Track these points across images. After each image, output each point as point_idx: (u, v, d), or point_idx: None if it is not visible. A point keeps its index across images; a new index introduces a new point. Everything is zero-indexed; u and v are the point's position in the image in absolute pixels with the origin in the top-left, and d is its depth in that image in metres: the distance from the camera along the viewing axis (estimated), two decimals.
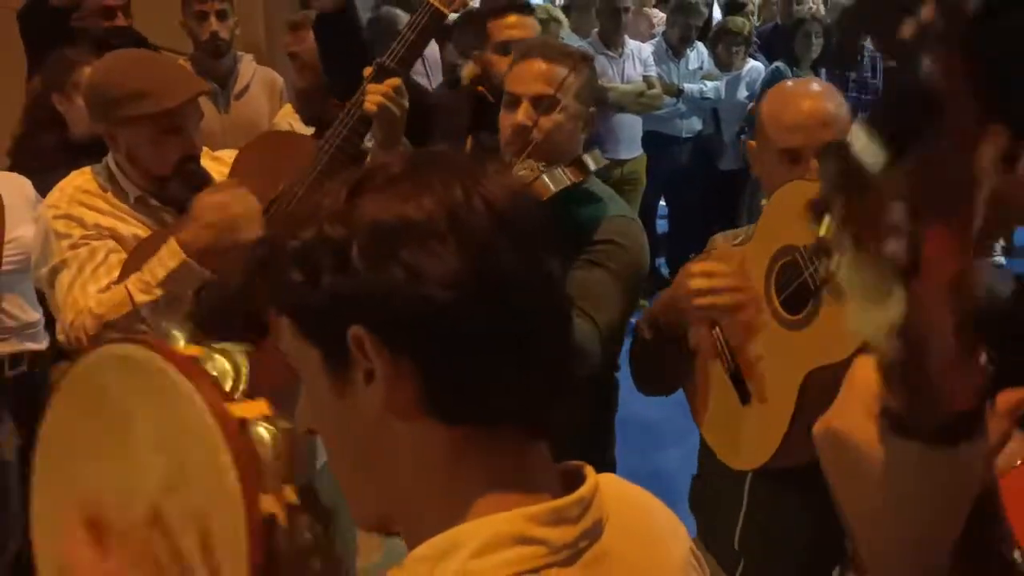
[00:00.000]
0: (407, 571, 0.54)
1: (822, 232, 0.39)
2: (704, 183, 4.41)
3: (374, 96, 1.46)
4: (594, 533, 0.56)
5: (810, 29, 4.17)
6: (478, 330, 0.53)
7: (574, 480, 0.58)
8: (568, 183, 1.36)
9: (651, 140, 4.23)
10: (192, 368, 0.61)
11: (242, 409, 0.60)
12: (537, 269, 0.55)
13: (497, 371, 0.54)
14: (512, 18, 2.09)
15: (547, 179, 1.34)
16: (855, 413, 0.45)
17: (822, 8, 5.02)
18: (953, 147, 0.35)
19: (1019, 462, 0.82)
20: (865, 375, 0.45)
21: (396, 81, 1.49)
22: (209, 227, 1.43)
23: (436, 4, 1.48)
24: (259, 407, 0.61)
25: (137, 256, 1.50)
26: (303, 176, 1.53)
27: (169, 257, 1.42)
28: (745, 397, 1.28)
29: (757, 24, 5.14)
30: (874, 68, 4.28)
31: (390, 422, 0.54)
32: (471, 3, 2.82)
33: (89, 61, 2.31)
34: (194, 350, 0.63)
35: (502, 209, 0.54)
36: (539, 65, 1.45)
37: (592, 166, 1.40)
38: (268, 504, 0.58)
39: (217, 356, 0.62)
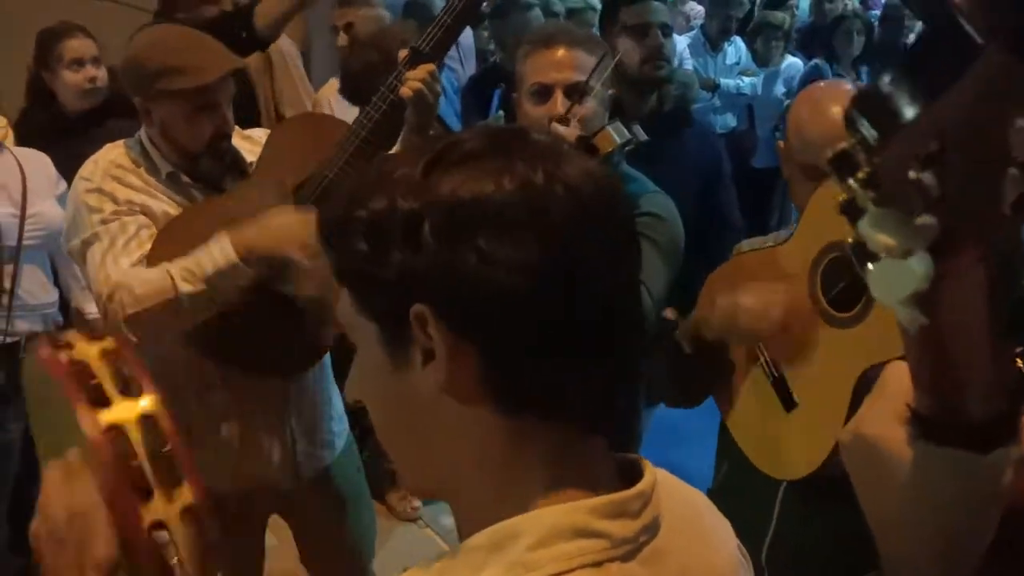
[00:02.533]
0: (462, 560, 0.52)
1: (848, 194, 0.38)
2: (736, 180, 4.35)
3: (412, 82, 1.45)
4: (653, 528, 0.54)
5: (851, 26, 4.09)
6: (547, 321, 0.51)
7: (631, 473, 0.56)
8: (629, 137, 1.37)
9: None
10: (71, 376, 0.59)
11: (120, 412, 0.59)
12: (614, 261, 0.54)
13: (563, 365, 0.52)
14: (643, 4, 2.09)
15: (612, 131, 1.35)
16: (885, 418, 0.44)
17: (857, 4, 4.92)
18: (986, 86, 0.33)
19: None
20: (896, 380, 0.44)
21: (431, 66, 1.47)
22: (270, 237, 1.41)
23: None
24: (141, 406, 0.60)
25: (169, 234, 1.51)
26: (333, 159, 1.52)
27: (221, 255, 1.41)
28: (789, 404, 1.24)
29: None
30: None
31: (447, 403, 0.52)
32: None
33: (75, 35, 2.34)
34: (88, 351, 0.61)
35: (584, 196, 0.52)
36: (566, 53, 1.43)
37: (640, 137, 1.41)
38: (153, 511, 0.57)
39: (101, 358, 0.61)
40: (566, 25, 1.61)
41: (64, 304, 2.21)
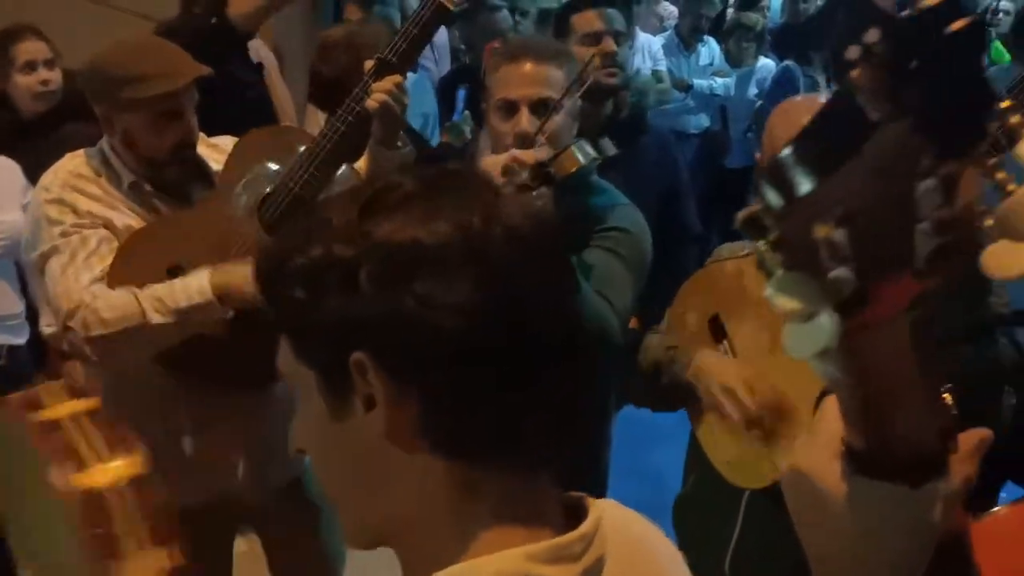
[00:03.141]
0: None
1: (759, 256, 0.39)
2: (710, 180, 4.38)
3: (377, 94, 1.44)
4: (595, 570, 0.54)
5: None
6: (488, 363, 0.51)
7: (576, 512, 0.56)
8: (594, 156, 1.35)
9: None
10: (48, 436, 0.59)
11: (104, 474, 0.58)
12: (554, 297, 0.53)
13: (506, 405, 0.52)
14: (595, 10, 2.08)
15: (576, 151, 1.33)
16: (820, 453, 0.45)
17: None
18: (882, 160, 0.34)
19: (996, 508, 0.81)
20: (832, 414, 0.44)
21: (398, 78, 1.46)
22: (248, 280, 1.38)
23: None
24: (126, 467, 0.59)
25: (132, 247, 1.48)
26: (299, 172, 1.50)
27: (198, 292, 1.40)
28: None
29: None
30: None
31: (391, 451, 0.52)
32: None
33: (27, 37, 2.30)
34: (63, 410, 0.60)
35: (521, 235, 0.52)
36: (533, 67, 1.42)
37: (609, 152, 1.40)
38: (136, 572, 0.56)
39: (80, 419, 0.60)
40: (536, 39, 1.58)
41: (33, 315, 2.17)
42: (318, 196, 1.48)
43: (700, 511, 1.39)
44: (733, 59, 4.35)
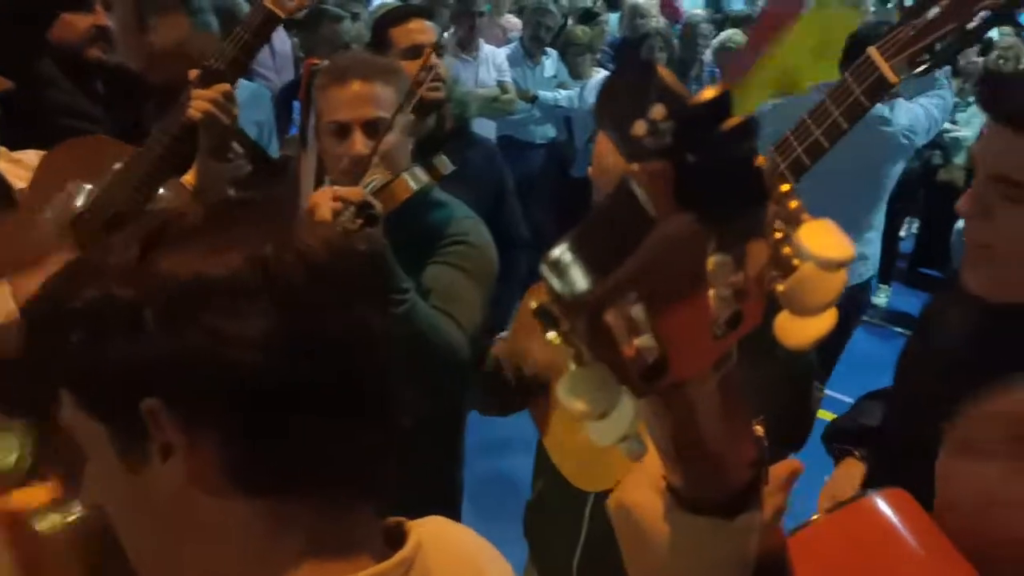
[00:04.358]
0: None
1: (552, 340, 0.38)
2: (556, 189, 4.51)
3: (199, 103, 1.35)
4: None
5: (653, 43, 4.35)
6: (291, 396, 0.49)
7: (397, 537, 0.55)
8: (427, 181, 1.33)
9: (505, 145, 4.26)
10: None
11: (23, 498, 0.54)
12: (357, 325, 0.52)
13: (310, 439, 0.50)
14: (414, 23, 2.03)
15: (408, 178, 1.31)
16: (643, 488, 0.47)
17: (662, 21, 5.24)
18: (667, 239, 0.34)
19: (814, 517, 0.87)
20: (654, 452, 0.46)
21: (225, 86, 1.39)
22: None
23: (270, 6, 1.39)
24: (45, 492, 0.56)
25: None
26: (119, 187, 1.39)
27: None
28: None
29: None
30: (713, 79, 4.52)
31: (194, 496, 0.49)
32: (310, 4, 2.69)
33: None
34: None
35: (318, 263, 0.50)
36: (360, 87, 1.39)
37: (445, 170, 1.38)
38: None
39: None
40: (361, 56, 1.56)
41: None
42: (141, 212, 1.37)
43: (548, 516, 1.40)
44: (572, 72, 4.50)
